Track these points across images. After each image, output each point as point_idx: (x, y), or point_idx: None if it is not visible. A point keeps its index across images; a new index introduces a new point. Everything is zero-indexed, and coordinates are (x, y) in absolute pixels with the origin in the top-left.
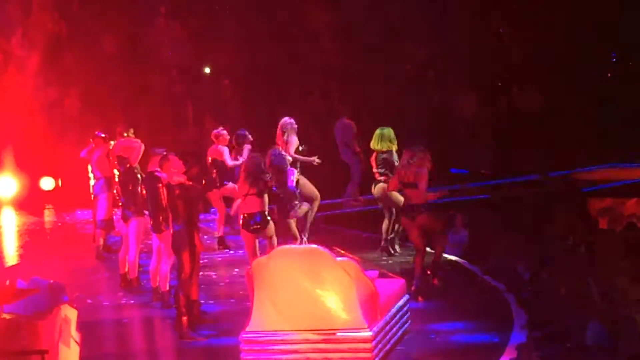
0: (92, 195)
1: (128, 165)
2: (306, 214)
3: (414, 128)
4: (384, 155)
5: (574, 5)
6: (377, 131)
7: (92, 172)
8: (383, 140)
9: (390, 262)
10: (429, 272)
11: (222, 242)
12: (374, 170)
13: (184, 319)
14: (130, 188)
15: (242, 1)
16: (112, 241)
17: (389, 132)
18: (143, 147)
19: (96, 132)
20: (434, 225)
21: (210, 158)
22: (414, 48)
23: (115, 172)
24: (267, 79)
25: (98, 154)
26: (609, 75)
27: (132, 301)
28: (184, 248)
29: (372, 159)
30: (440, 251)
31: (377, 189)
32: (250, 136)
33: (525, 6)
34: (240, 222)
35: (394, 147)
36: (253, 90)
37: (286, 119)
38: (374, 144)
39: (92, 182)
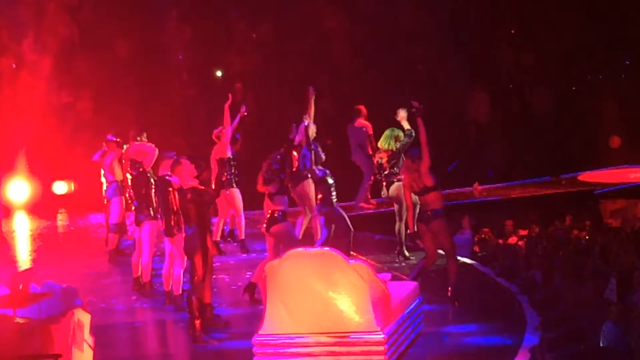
0: (105, 199)
1: (141, 169)
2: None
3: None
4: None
5: (585, 6)
6: (388, 132)
7: (104, 176)
8: (397, 140)
9: (402, 264)
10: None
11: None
12: (388, 171)
13: (197, 322)
14: (143, 192)
15: (253, 5)
16: (125, 245)
17: (399, 132)
18: (157, 151)
19: (108, 136)
20: (444, 236)
21: (215, 158)
22: (425, 49)
23: (128, 176)
24: (279, 81)
25: (110, 158)
26: (622, 76)
27: (145, 305)
28: (197, 251)
29: (384, 160)
30: (454, 270)
31: (392, 189)
32: None
33: (537, 7)
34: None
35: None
36: (265, 94)
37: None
38: (387, 144)
39: (104, 186)
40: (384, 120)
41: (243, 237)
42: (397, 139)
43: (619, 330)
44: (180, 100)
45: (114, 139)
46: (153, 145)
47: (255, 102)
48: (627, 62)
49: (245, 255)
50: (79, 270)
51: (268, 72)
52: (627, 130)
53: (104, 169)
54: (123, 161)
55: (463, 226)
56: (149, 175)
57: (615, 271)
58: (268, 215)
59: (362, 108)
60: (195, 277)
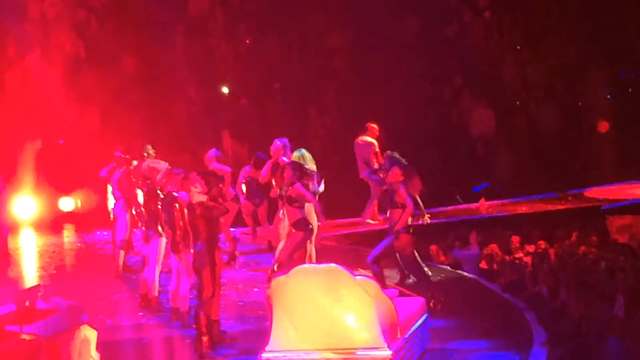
0: (112, 215)
1: (151, 186)
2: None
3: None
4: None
5: (590, 22)
6: (297, 153)
7: (112, 192)
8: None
9: (409, 280)
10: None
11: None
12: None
13: (205, 339)
14: (152, 208)
15: (258, 21)
16: (132, 261)
17: (305, 153)
18: (167, 168)
19: (116, 152)
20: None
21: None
22: (431, 65)
23: (139, 191)
24: (284, 98)
25: (119, 174)
26: (630, 90)
27: (152, 321)
28: (205, 267)
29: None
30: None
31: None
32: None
33: (543, 23)
34: None
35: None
36: (271, 110)
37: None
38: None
39: (110, 202)
40: (389, 137)
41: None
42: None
43: (624, 346)
44: (187, 116)
45: (122, 155)
46: (165, 163)
47: (261, 118)
48: (632, 77)
49: (252, 272)
50: (86, 286)
51: (273, 88)
52: (635, 145)
53: (111, 185)
54: (133, 178)
55: (470, 242)
56: (158, 191)
57: (623, 287)
58: None
59: (369, 125)
60: (204, 294)
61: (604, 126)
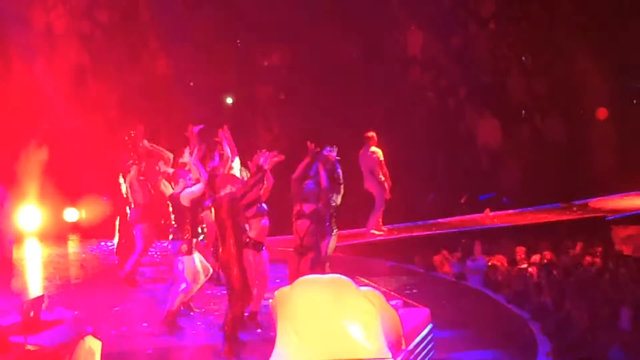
0: (130, 223)
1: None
2: None
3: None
4: None
5: (597, 32)
6: None
7: (130, 196)
8: None
9: (414, 291)
10: None
11: None
12: None
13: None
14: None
15: (264, 31)
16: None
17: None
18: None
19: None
20: None
21: None
22: (436, 76)
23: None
24: (290, 107)
25: (136, 180)
26: (634, 102)
27: (156, 332)
28: (234, 265)
29: None
30: None
31: None
32: None
33: (548, 34)
34: None
35: None
36: (276, 120)
37: None
38: None
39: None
40: (395, 147)
41: None
42: None
43: (626, 356)
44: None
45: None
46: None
47: (265, 128)
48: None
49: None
50: (90, 297)
51: (279, 99)
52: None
53: (128, 190)
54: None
55: (475, 253)
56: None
57: (628, 299)
58: None
59: (373, 135)
60: (235, 297)
61: (602, 113)
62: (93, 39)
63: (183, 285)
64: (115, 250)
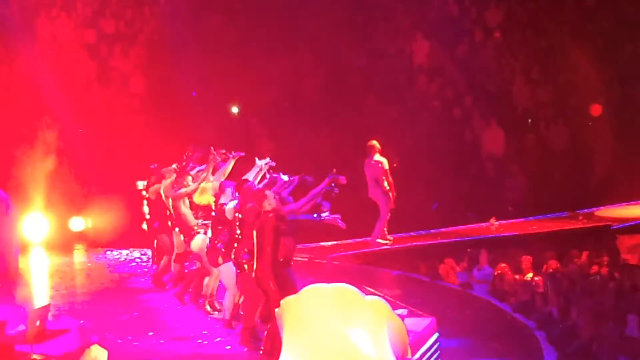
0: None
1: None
2: None
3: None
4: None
5: (601, 40)
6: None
7: (148, 208)
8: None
9: (420, 300)
10: None
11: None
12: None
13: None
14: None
15: (269, 40)
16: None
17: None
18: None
19: (151, 165)
20: None
21: None
22: (441, 84)
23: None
24: (295, 116)
25: (158, 190)
26: None
27: (162, 341)
28: (270, 280)
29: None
30: None
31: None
32: None
33: (553, 42)
34: None
35: None
36: (281, 129)
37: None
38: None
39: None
40: (400, 157)
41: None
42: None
43: None
44: (195, 136)
45: (156, 166)
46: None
47: (271, 137)
48: None
49: None
50: (96, 306)
51: (284, 108)
52: None
53: (147, 202)
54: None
55: (480, 262)
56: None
57: (635, 308)
58: None
59: (375, 143)
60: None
61: (596, 109)
62: (98, 49)
63: (237, 296)
64: (153, 259)
